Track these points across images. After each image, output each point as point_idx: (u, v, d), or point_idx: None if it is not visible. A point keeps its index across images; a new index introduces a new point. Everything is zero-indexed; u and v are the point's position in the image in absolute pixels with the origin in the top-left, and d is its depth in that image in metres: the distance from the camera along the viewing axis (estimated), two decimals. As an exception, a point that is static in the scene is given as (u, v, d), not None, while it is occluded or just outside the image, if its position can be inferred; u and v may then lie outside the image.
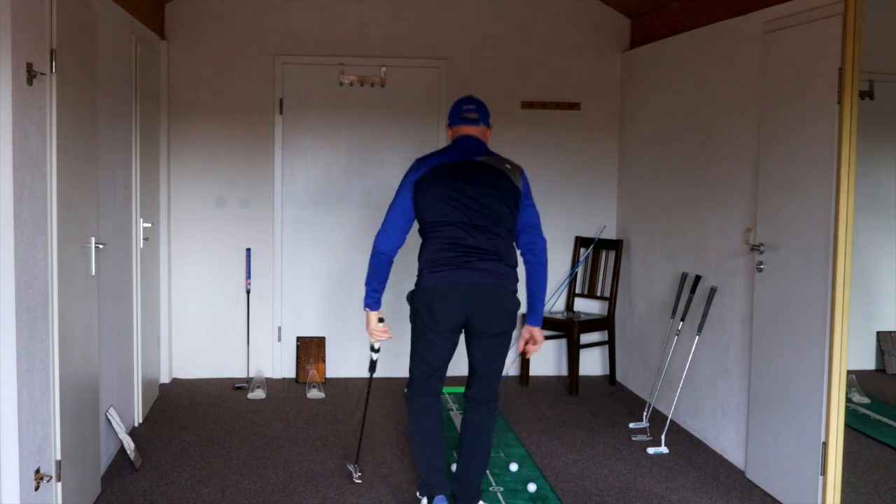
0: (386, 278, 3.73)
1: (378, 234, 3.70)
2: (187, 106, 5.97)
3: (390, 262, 3.71)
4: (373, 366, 4.21)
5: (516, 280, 3.67)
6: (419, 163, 3.71)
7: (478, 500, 3.80)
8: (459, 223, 3.57)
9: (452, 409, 5.47)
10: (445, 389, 5.85)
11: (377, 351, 4.13)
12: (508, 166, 3.66)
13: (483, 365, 3.72)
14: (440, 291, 3.59)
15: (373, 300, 3.77)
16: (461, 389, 5.85)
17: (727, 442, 4.67)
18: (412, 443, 3.85)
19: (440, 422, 3.79)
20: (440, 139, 5.79)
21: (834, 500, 3.76)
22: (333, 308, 6.23)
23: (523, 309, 3.82)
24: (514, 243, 3.71)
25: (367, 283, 3.74)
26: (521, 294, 3.72)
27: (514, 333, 3.88)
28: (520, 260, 3.71)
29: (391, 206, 3.70)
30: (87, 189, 3.83)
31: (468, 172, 3.61)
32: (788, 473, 4.02)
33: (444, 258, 3.58)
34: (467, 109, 3.76)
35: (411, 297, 3.73)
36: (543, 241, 3.72)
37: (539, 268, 3.70)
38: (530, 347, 3.83)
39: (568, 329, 5.96)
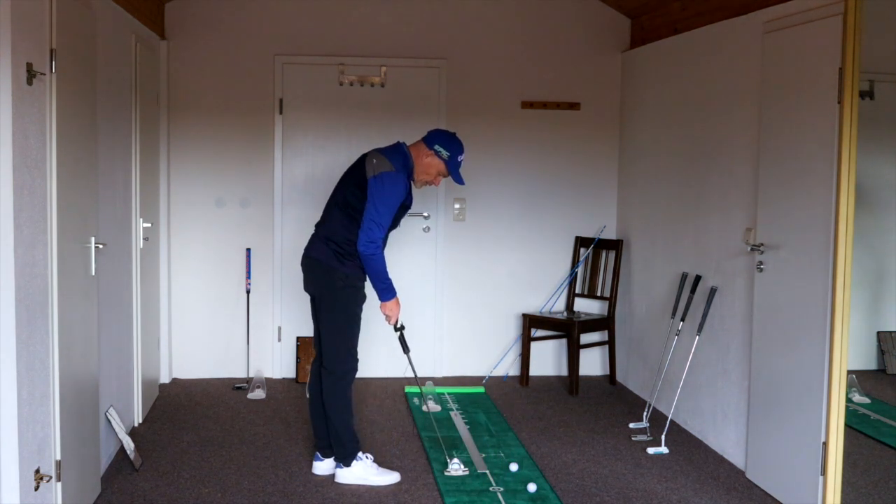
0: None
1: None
2: (187, 106, 5.97)
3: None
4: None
5: (328, 255, 4.06)
6: None
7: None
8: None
9: (453, 409, 5.47)
10: (446, 390, 5.90)
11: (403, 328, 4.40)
12: (374, 161, 4.05)
13: None
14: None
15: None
16: (463, 390, 5.91)
17: (727, 442, 4.67)
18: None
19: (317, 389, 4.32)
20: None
21: (834, 500, 3.76)
22: (333, 308, 6.22)
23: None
24: (352, 223, 4.05)
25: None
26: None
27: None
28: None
29: None
30: (87, 189, 3.83)
31: (350, 168, 4.22)
32: (788, 473, 4.02)
33: None
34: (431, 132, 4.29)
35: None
36: (364, 235, 3.98)
37: (361, 259, 4.05)
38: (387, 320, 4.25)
39: (568, 329, 5.95)
